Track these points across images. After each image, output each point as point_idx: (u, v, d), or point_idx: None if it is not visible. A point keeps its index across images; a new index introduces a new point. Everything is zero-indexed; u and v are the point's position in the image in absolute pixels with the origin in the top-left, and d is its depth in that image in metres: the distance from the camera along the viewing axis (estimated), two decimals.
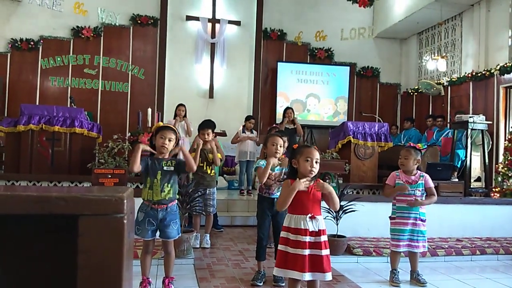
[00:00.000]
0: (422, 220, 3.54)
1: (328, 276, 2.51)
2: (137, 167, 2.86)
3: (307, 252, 2.49)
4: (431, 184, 3.61)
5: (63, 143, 6.42)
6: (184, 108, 6.94)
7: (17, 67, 9.14)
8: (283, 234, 2.61)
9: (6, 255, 0.98)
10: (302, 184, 2.51)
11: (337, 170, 6.43)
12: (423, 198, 3.58)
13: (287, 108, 7.51)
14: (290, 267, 2.52)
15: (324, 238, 2.56)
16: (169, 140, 2.99)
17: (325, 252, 2.53)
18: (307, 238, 2.51)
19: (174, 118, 6.95)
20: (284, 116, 7.31)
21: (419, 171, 3.65)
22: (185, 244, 3.98)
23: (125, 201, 0.90)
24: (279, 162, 3.44)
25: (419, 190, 3.57)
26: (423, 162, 3.75)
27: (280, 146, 3.35)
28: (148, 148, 2.97)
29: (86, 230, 0.87)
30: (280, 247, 2.61)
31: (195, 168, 3.09)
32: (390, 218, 3.65)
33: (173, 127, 3.12)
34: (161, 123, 3.17)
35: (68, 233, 0.91)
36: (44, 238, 0.97)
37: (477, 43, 8.56)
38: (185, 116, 6.94)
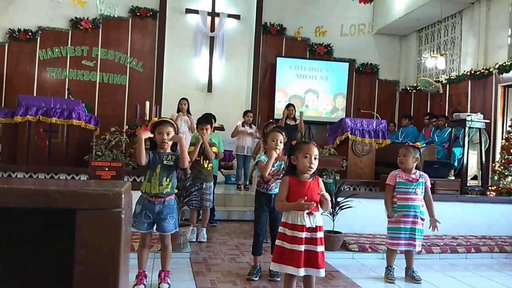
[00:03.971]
0: (422, 219, 3.55)
1: (322, 273, 2.53)
2: (144, 159, 2.88)
3: (303, 248, 2.50)
4: (429, 184, 3.62)
5: (60, 135, 6.40)
6: (186, 102, 6.91)
7: (15, 58, 9.09)
8: (280, 229, 2.63)
9: (2, 248, 0.98)
10: (305, 207, 2.48)
11: (334, 166, 6.43)
12: (423, 198, 3.60)
13: (289, 104, 7.48)
14: (286, 263, 2.53)
15: (320, 234, 2.57)
16: (167, 134, 2.99)
17: (321, 248, 2.54)
18: (304, 234, 2.52)
19: (178, 112, 6.90)
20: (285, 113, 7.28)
21: (418, 170, 3.65)
22: (181, 238, 3.98)
23: (123, 195, 0.90)
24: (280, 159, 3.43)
25: (419, 189, 3.56)
26: (420, 159, 3.74)
27: (280, 142, 3.35)
28: (148, 134, 2.91)
29: (83, 224, 0.87)
30: (277, 242, 2.63)
31: (186, 164, 3.04)
32: (389, 216, 3.64)
33: (169, 120, 3.10)
34: (155, 119, 3.15)
35: (65, 227, 0.90)
36: (41, 232, 0.97)
37: (476, 41, 8.56)
38: (188, 110, 6.91)
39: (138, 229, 2.98)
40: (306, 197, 2.51)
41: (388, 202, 3.60)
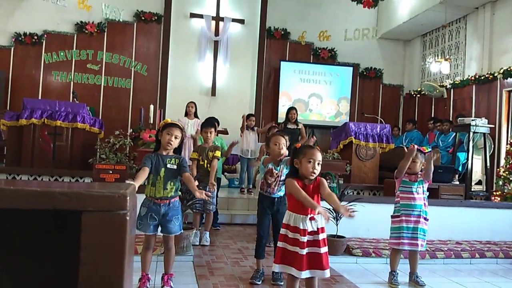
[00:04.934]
0: (425, 219, 3.55)
1: (327, 273, 2.54)
2: (147, 170, 2.91)
3: (305, 251, 2.51)
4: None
5: (65, 138, 6.42)
6: (194, 105, 6.90)
7: (20, 61, 9.15)
8: (282, 231, 2.64)
9: (8, 249, 0.98)
10: (318, 211, 2.44)
11: (338, 170, 6.42)
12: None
13: (291, 108, 7.46)
14: (288, 263, 2.54)
15: (322, 236, 2.57)
16: (175, 138, 3.00)
17: (324, 249, 2.55)
18: (305, 238, 2.52)
19: (185, 116, 6.89)
20: (287, 117, 7.27)
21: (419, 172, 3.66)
22: (184, 241, 3.99)
23: (128, 197, 0.91)
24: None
25: (420, 188, 3.58)
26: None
27: (283, 145, 3.35)
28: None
29: (89, 226, 0.87)
30: (279, 243, 2.64)
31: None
32: (392, 216, 3.64)
33: (180, 125, 3.12)
34: (169, 120, 3.17)
35: (70, 228, 0.91)
36: (46, 233, 0.98)
37: (481, 46, 8.54)
38: (196, 113, 6.90)
39: (144, 231, 2.99)
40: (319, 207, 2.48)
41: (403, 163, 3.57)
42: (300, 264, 2.49)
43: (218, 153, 4.59)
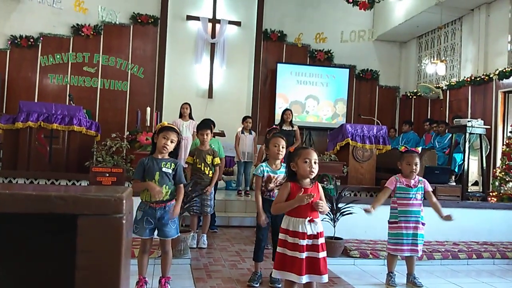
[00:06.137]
0: (422, 224, 3.55)
1: (325, 278, 2.53)
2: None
3: (304, 255, 2.50)
4: (430, 188, 3.63)
5: (61, 141, 6.40)
6: (188, 106, 6.90)
7: (16, 64, 9.13)
8: (281, 236, 2.61)
9: (4, 254, 0.98)
10: (305, 200, 2.48)
11: (335, 172, 6.43)
12: (430, 204, 3.60)
13: (286, 109, 7.50)
14: (288, 270, 2.52)
15: (321, 240, 2.56)
16: (171, 142, 2.99)
17: (322, 254, 2.54)
18: (305, 242, 2.51)
19: (180, 118, 6.89)
20: (282, 118, 7.29)
21: (417, 176, 3.65)
22: (182, 244, 3.98)
23: (124, 201, 0.90)
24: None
25: (419, 194, 3.57)
26: (421, 165, 3.75)
27: (283, 147, 3.35)
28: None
29: (85, 230, 0.87)
30: (278, 249, 2.62)
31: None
32: (390, 222, 3.63)
33: (177, 129, 3.11)
34: (165, 123, 3.15)
35: (67, 232, 0.91)
36: (43, 237, 0.97)
37: (476, 47, 8.59)
38: (190, 114, 6.90)
39: (140, 235, 2.98)
40: (302, 190, 2.52)
41: (378, 202, 3.59)
42: (299, 269, 2.47)
43: (218, 160, 4.64)
